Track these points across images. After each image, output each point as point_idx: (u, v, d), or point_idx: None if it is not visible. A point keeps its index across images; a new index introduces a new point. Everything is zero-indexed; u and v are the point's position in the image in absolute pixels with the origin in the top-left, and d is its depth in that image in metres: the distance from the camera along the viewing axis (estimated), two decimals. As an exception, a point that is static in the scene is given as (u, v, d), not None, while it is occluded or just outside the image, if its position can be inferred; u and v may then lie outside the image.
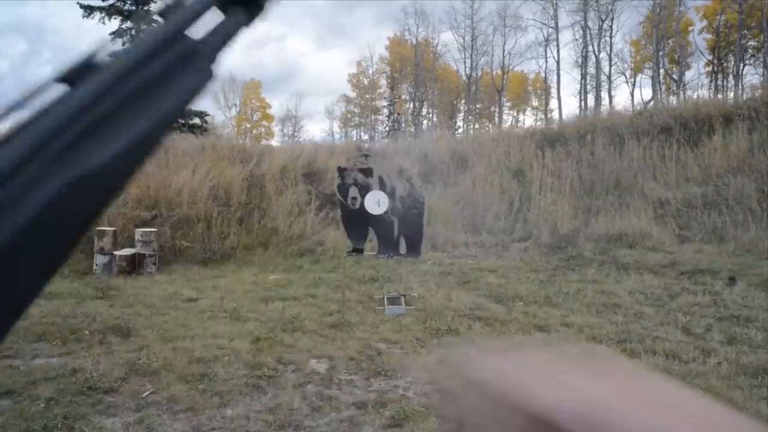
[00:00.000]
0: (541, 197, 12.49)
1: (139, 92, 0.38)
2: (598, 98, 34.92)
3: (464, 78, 41.85)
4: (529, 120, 44.74)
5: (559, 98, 37.98)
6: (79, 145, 0.35)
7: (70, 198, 0.34)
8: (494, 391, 0.38)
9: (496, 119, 41.98)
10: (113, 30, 22.60)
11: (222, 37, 0.44)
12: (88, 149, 0.35)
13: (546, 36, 38.16)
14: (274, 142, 42.35)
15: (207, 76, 0.42)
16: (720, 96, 22.61)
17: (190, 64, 0.41)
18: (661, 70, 34.09)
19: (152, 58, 0.39)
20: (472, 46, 40.25)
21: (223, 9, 0.43)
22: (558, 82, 37.84)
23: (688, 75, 37.57)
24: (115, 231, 9.03)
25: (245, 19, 0.45)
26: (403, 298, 6.59)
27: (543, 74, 41.02)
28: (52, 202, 0.33)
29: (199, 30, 0.42)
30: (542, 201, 12.39)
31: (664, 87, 34.37)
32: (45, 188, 0.33)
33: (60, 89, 0.36)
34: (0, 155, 0.33)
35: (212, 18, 0.43)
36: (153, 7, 22.69)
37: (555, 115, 37.12)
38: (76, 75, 0.36)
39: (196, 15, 0.42)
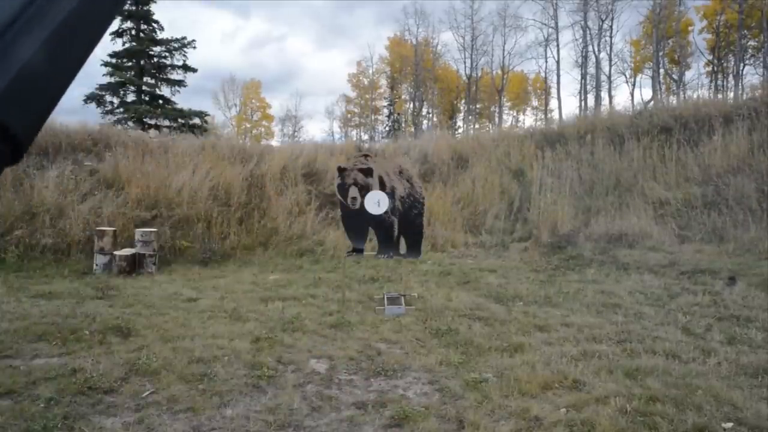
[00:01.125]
0: (541, 197, 12.49)
1: None
2: (598, 98, 34.94)
3: (464, 78, 41.86)
4: (529, 120, 44.88)
5: (559, 98, 38.05)
6: None
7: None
8: None
9: (496, 119, 42.04)
10: (113, 30, 22.69)
11: None
12: None
13: (546, 36, 38.24)
14: (274, 142, 42.47)
15: None
16: (720, 96, 22.61)
17: None
18: (661, 70, 34.08)
19: None
20: (472, 46, 40.30)
21: None
22: (558, 82, 37.91)
23: (688, 75, 37.70)
24: (115, 231, 9.03)
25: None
26: (403, 298, 6.59)
27: (543, 74, 41.12)
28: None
29: None
30: (542, 201, 12.38)
31: (664, 87, 34.39)
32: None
33: None
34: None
35: None
36: (153, 7, 22.78)
37: (555, 115, 37.22)
38: None
39: None
